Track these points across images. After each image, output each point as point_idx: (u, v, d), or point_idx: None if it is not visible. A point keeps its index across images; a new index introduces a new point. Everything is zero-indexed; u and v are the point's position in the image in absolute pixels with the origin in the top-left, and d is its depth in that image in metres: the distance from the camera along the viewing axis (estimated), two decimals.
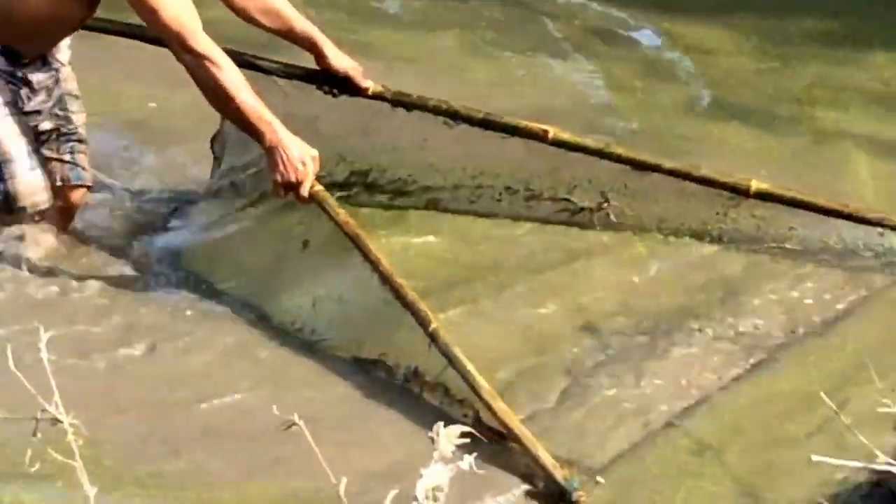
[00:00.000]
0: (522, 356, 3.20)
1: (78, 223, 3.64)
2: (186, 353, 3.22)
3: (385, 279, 3.12)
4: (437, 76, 4.29)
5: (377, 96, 3.56)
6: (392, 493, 1.99)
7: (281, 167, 3.07)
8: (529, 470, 2.76)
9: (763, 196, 3.57)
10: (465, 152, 3.64)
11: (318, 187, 3.20)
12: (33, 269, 3.43)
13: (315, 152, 3.13)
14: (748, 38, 5.14)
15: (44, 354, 1.90)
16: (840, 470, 2.58)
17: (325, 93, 3.55)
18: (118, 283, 3.48)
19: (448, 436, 2.06)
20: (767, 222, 3.59)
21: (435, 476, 2.03)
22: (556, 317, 3.36)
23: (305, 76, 3.55)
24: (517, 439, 2.80)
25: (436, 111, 3.58)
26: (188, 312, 3.38)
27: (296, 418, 2.01)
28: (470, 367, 2.91)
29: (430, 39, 5.06)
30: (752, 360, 3.20)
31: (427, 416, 2.87)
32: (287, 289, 3.41)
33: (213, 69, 3.06)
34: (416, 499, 2.01)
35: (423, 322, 3.01)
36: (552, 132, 3.56)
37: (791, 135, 4.43)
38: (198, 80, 3.10)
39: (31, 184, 3.33)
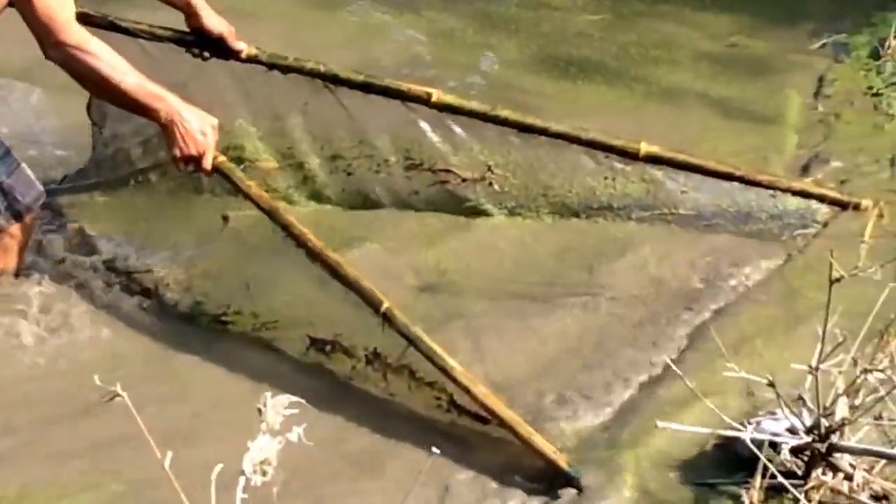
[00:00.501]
0: None
1: None
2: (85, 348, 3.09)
3: (316, 255, 2.95)
4: (270, 32, 4.10)
5: (251, 59, 3.40)
6: (218, 468, 1.91)
7: (180, 141, 2.89)
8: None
9: (652, 159, 3.46)
10: (344, 119, 3.47)
11: (222, 158, 3.04)
12: None
13: (215, 121, 2.96)
14: None
15: None
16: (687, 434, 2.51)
17: (195, 56, 3.38)
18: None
19: (275, 407, 1.99)
20: (658, 186, 3.49)
21: (262, 449, 1.94)
22: None
23: (174, 38, 3.37)
24: (507, 426, 2.65)
25: (313, 74, 3.42)
26: (89, 302, 3.24)
27: (118, 389, 1.94)
28: (437, 348, 2.76)
29: None
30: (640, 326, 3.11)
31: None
32: (211, 270, 3.25)
33: (90, 59, 2.82)
34: (243, 473, 1.92)
35: (371, 303, 2.84)
36: (435, 95, 3.42)
37: (628, 91, 4.34)
38: (74, 73, 2.88)
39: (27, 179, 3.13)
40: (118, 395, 1.99)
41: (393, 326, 2.80)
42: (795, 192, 3.46)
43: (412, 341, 2.78)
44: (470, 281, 3.27)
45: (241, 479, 1.92)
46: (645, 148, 3.44)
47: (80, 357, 3.04)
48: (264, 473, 1.97)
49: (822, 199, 3.47)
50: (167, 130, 2.90)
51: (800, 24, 4.75)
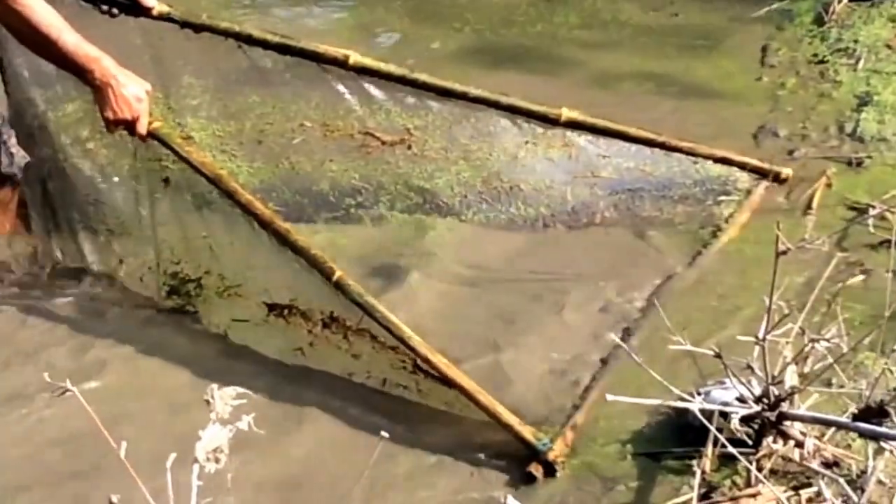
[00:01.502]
0: None
1: None
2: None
3: (265, 224, 2.86)
4: None
5: (163, 17, 3.21)
6: (172, 456, 1.91)
7: (113, 104, 2.82)
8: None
9: (573, 125, 3.43)
10: (259, 82, 3.35)
11: (158, 123, 2.94)
12: None
13: (149, 86, 2.89)
14: None
15: None
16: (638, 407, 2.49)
17: (103, 12, 3.17)
18: None
19: (223, 397, 1.98)
20: (579, 150, 3.45)
21: (214, 438, 1.94)
22: None
23: None
24: (469, 395, 2.59)
25: (227, 34, 3.25)
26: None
27: (68, 384, 1.92)
28: (392, 317, 2.71)
29: None
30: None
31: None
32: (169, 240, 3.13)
33: (26, 12, 2.73)
34: (196, 460, 1.92)
35: (323, 272, 2.78)
36: (352, 58, 3.30)
37: (563, 76, 4.26)
38: (9, 26, 2.79)
39: None
40: (68, 389, 1.95)
41: (346, 295, 2.76)
42: (717, 160, 3.47)
43: (366, 310, 2.74)
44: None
45: (195, 467, 1.91)
46: (566, 113, 3.40)
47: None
48: (217, 461, 1.97)
49: (743, 166, 3.48)
50: (101, 93, 2.82)
51: None
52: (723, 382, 2.49)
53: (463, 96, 3.38)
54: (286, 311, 2.92)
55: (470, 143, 3.43)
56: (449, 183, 3.43)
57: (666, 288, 3.12)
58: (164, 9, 3.22)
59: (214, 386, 1.93)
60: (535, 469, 2.53)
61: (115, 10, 3.19)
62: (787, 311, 2.37)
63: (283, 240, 2.84)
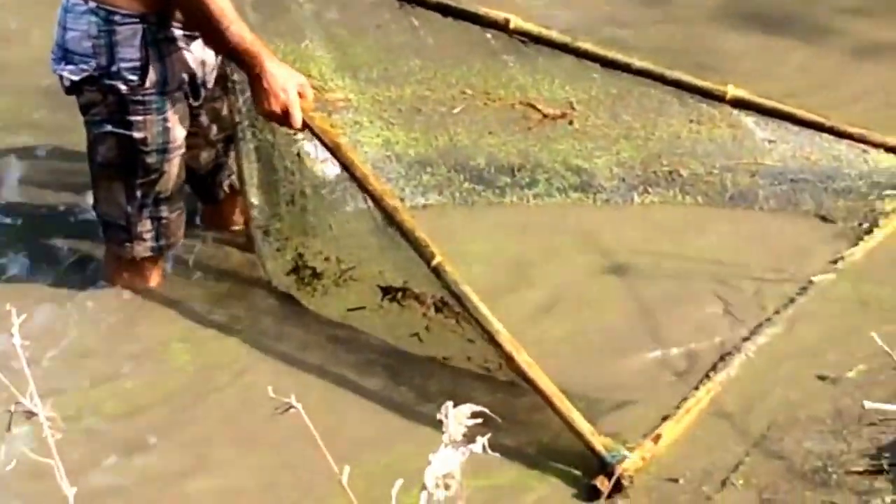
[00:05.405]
0: None
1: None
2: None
3: (376, 201, 2.74)
4: None
5: None
6: (398, 483, 1.75)
7: (263, 96, 2.81)
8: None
9: (739, 104, 3.25)
10: (416, 46, 3.17)
11: (315, 115, 2.84)
12: None
13: (302, 79, 2.86)
14: None
15: (16, 340, 1.55)
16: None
17: None
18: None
19: (458, 416, 1.78)
20: (745, 134, 3.28)
21: (445, 462, 1.76)
22: None
23: None
24: (546, 398, 2.47)
25: None
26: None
27: (293, 401, 1.72)
28: (484, 309, 2.57)
29: None
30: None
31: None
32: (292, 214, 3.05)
33: None
34: (425, 488, 1.74)
35: (423, 255, 2.65)
36: (513, 22, 3.13)
37: (825, 48, 4.02)
38: (183, 10, 2.79)
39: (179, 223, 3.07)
40: (292, 406, 1.79)
41: (441, 281, 2.64)
42: (889, 149, 3.28)
43: (458, 298, 2.62)
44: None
45: (423, 495, 1.74)
46: (732, 91, 3.23)
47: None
48: (447, 487, 1.81)
49: None
50: (254, 84, 2.83)
51: None
52: None
53: (626, 68, 3.19)
54: (400, 295, 2.82)
55: (633, 121, 3.27)
56: (608, 164, 3.29)
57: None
58: None
59: (449, 404, 1.71)
60: (601, 483, 2.37)
61: None
62: None
63: (391, 219, 2.72)
